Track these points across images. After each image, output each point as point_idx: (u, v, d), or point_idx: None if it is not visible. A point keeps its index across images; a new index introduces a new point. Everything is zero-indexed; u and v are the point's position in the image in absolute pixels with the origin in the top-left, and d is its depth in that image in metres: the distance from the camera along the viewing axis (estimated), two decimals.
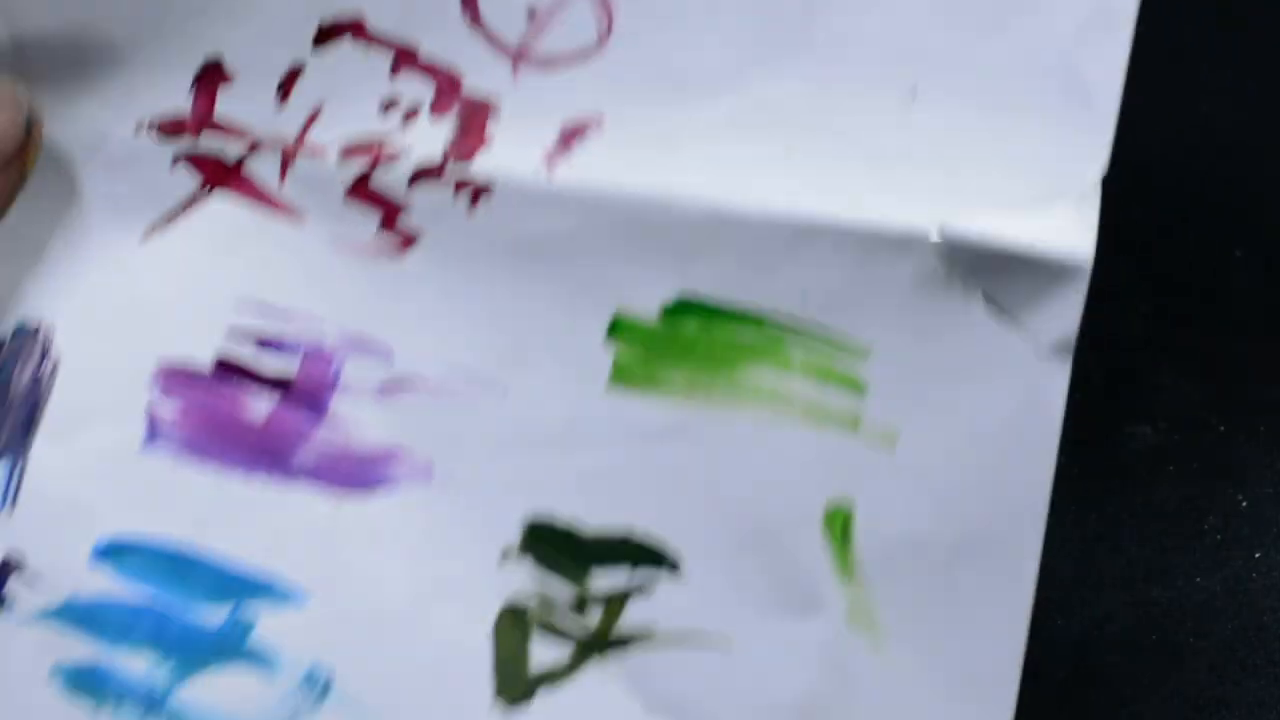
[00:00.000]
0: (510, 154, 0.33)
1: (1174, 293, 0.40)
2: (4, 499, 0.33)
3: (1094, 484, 0.39)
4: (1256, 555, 0.40)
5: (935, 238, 0.31)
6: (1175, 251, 0.40)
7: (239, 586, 0.33)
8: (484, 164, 0.33)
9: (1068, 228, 0.31)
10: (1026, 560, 0.32)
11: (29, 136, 0.32)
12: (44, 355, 0.33)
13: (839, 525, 0.32)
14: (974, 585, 0.32)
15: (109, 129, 0.33)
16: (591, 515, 0.33)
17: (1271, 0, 0.39)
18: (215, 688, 0.33)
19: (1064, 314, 0.31)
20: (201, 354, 0.34)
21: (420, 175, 0.33)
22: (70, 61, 0.33)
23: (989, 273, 0.32)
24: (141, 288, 0.34)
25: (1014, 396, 0.32)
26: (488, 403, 0.33)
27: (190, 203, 0.34)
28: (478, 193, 0.33)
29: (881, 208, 0.32)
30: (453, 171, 0.33)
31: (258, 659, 0.33)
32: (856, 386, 0.32)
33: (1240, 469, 0.40)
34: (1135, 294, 0.39)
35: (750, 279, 0.32)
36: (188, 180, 0.34)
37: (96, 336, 0.34)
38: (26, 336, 0.33)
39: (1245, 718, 0.40)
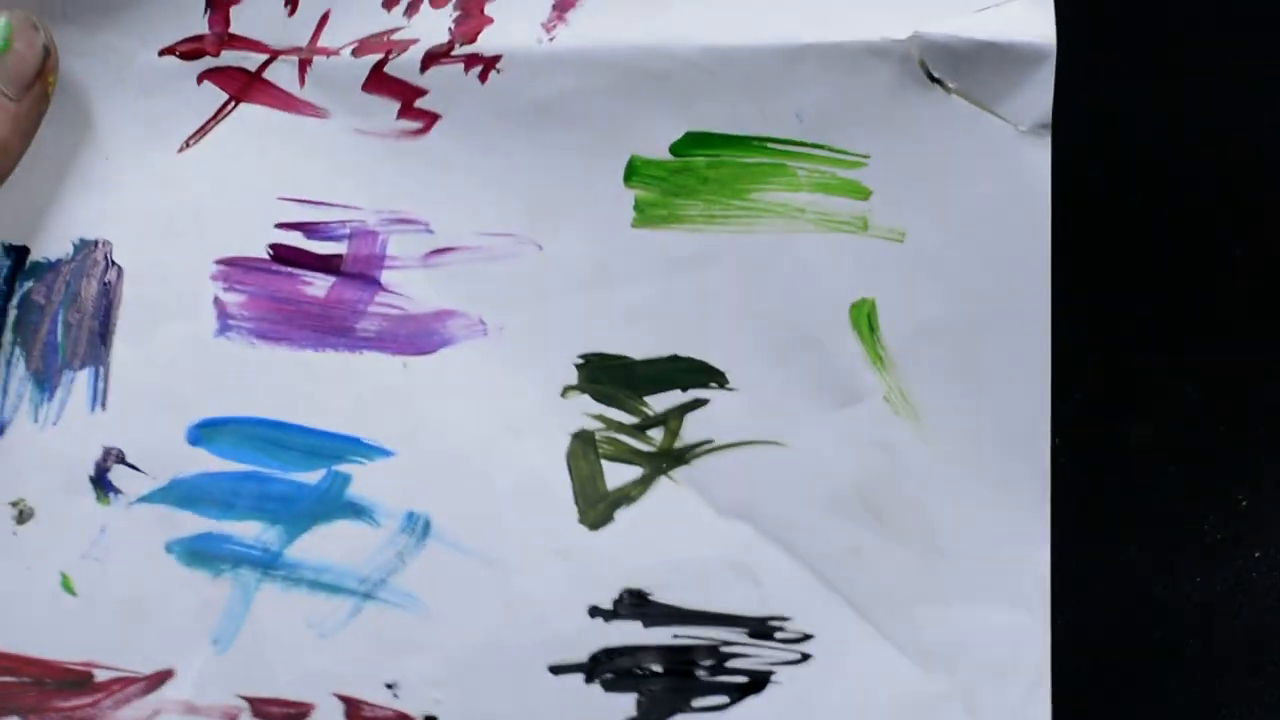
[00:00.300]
0: (512, 28, 0.35)
1: (1174, 292, 0.40)
2: (94, 400, 0.36)
3: (1094, 484, 0.39)
4: (1256, 555, 0.40)
5: (910, 42, 0.34)
6: (1175, 251, 0.39)
7: (329, 448, 0.36)
8: (489, 40, 0.35)
9: (1028, 17, 0.34)
10: (1037, 327, 0.35)
11: (46, 59, 0.35)
12: (107, 267, 0.36)
13: (865, 319, 0.35)
14: (994, 357, 0.35)
15: (133, 56, 0.36)
16: (637, 347, 0.36)
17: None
18: (324, 542, 0.35)
19: (1037, 97, 0.34)
20: (254, 247, 0.36)
21: (431, 58, 0.36)
22: None
23: (964, 67, 0.34)
24: (186, 194, 0.36)
25: (1003, 177, 0.35)
26: (525, 258, 0.36)
27: (219, 114, 0.36)
28: (487, 66, 0.35)
29: (859, 23, 0.35)
30: (461, 50, 0.35)
31: (358, 511, 0.36)
32: (860, 192, 0.35)
33: (1240, 469, 0.40)
34: (1135, 294, 0.39)
35: (749, 109, 0.35)
36: (213, 95, 0.36)
37: (153, 243, 0.36)
38: (87, 252, 0.36)
39: (1245, 717, 0.40)
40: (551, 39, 0.35)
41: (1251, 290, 0.40)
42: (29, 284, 0.35)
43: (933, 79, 0.35)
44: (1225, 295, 0.40)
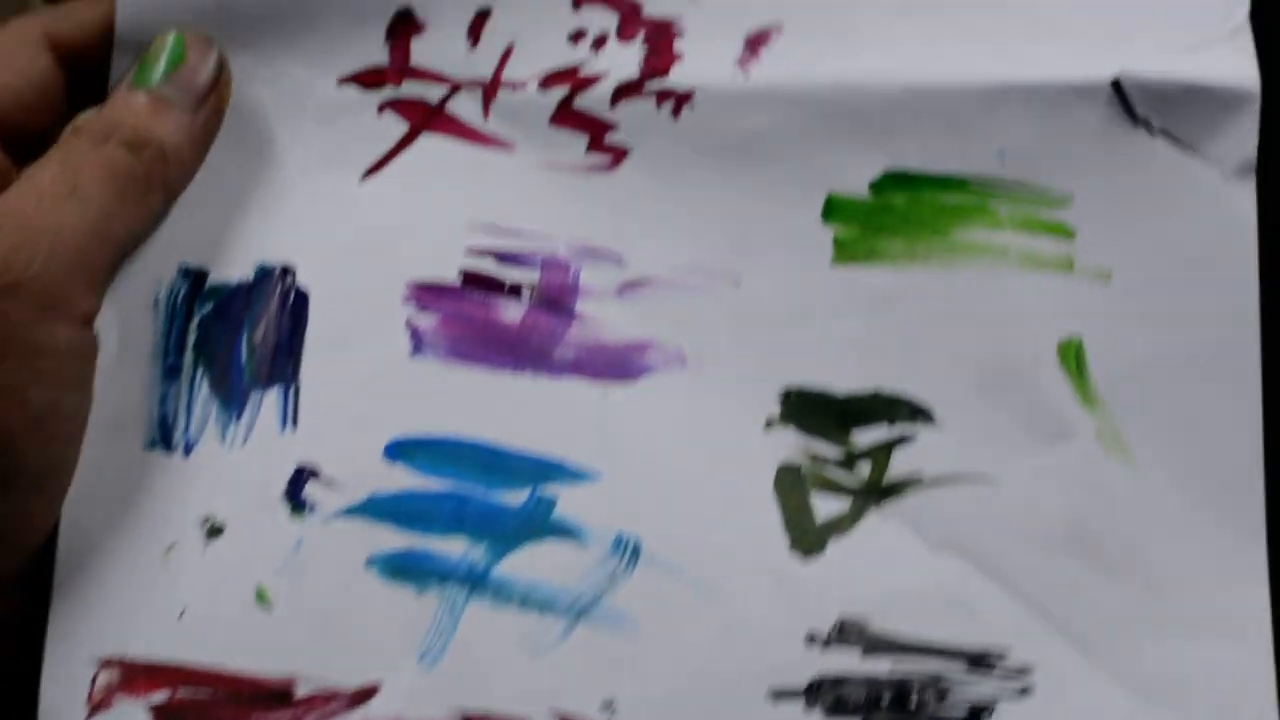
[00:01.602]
0: (703, 64, 0.35)
1: None
2: (285, 420, 0.35)
3: None
4: None
5: (1114, 82, 0.34)
6: None
7: (533, 470, 0.35)
8: (680, 75, 0.35)
9: (1231, 59, 0.34)
10: (1248, 372, 0.34)
11: (220, 74, 0.34)
12: (292, 290, 0.35)
13: (1073, 357, 0.34)
14: (1205, 395, 0.34)
15: (312, 84, 0.35)
16: (840, 381, 0.35)
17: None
18: (532, 561, 0.34)
19: (1241, 139, 0.34)
20: (447, 272, 0.35)
21: (621, 93, 0.35)
22: (270, 25, 0.35)
23: (1168, 109, 0.34)
24: (369, 221, 0.36)
25: (1209, 219, 0.34)
26: (723, 292, 0.35)
27: (401, 145, 0.35)
28: (680, 101, 0.35)
29: (1059, 63, 0.35)
30: (652, 85, 0.35)
31: (566, 532, 0.35)
32: (1065, 232, 0.35)
33: None
34: None
35: (949, 147, 0.35)
36: (395, 125, 0.35)
37: (339, 267, 0.35)
38: (269, 277, 0.35)
39: None
40: (746, 76, 0.35)
41: None
42: (209, 306, 0.35)
43: (1137, 120, 0.34)
44: None
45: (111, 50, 0.34)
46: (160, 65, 0.34)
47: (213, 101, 0.34)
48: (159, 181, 0.33)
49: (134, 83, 0.34)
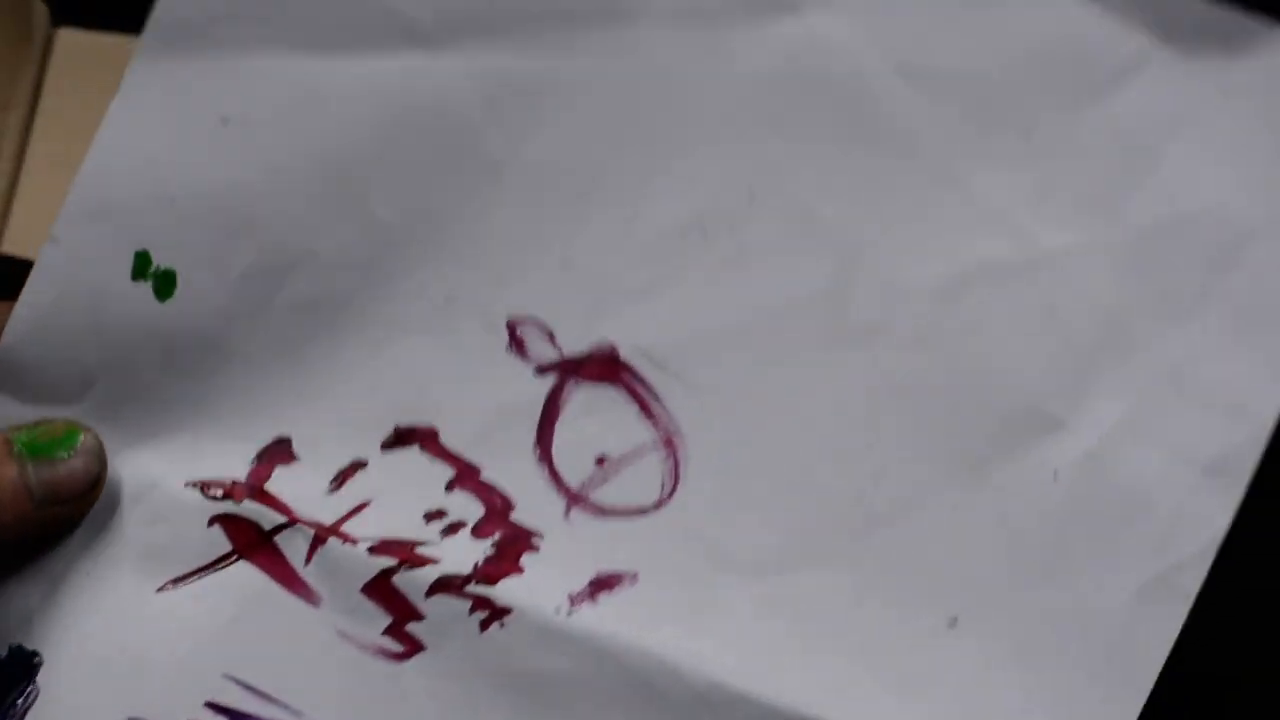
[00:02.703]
0: (536, 586, 0.33)
1: None
2: None
3: None
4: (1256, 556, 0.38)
5: None
6: None
7: None
8: (507, 590, 0.33)
9: None
10: None
11: (91, 491, 0.33)
12: (29, 682, 0.33)
13: None
14: None
15: (161, 480, 0.34)
16: None
17: None
18: None
19: None
20: (174, 715, 0.33)
21: (441, 585, 0.33)
22: (146, 409, 0.34)
23: None
24: (138, 638, 0.33)
25: None
26: None
27: (213, 564, 0.34)
28: (493, 616, 0.33)
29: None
30: (474, 589, 0.33)
31: None
32: None
33: None
34: None
35: None
36: (218, 542, 0.34)
37: (81, 677, 0.33)
38: (19, 660, 0.33)
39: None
40: (569, 614, 0.32)
41: None
42: None
43: None
44: None
45: None
46: (43, 447, 0.32)
47: (77, 506, 0.33)
48: None
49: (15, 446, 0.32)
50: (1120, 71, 0.33)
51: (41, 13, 0.53)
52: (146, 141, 0.32)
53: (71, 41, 0.53)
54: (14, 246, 0.49)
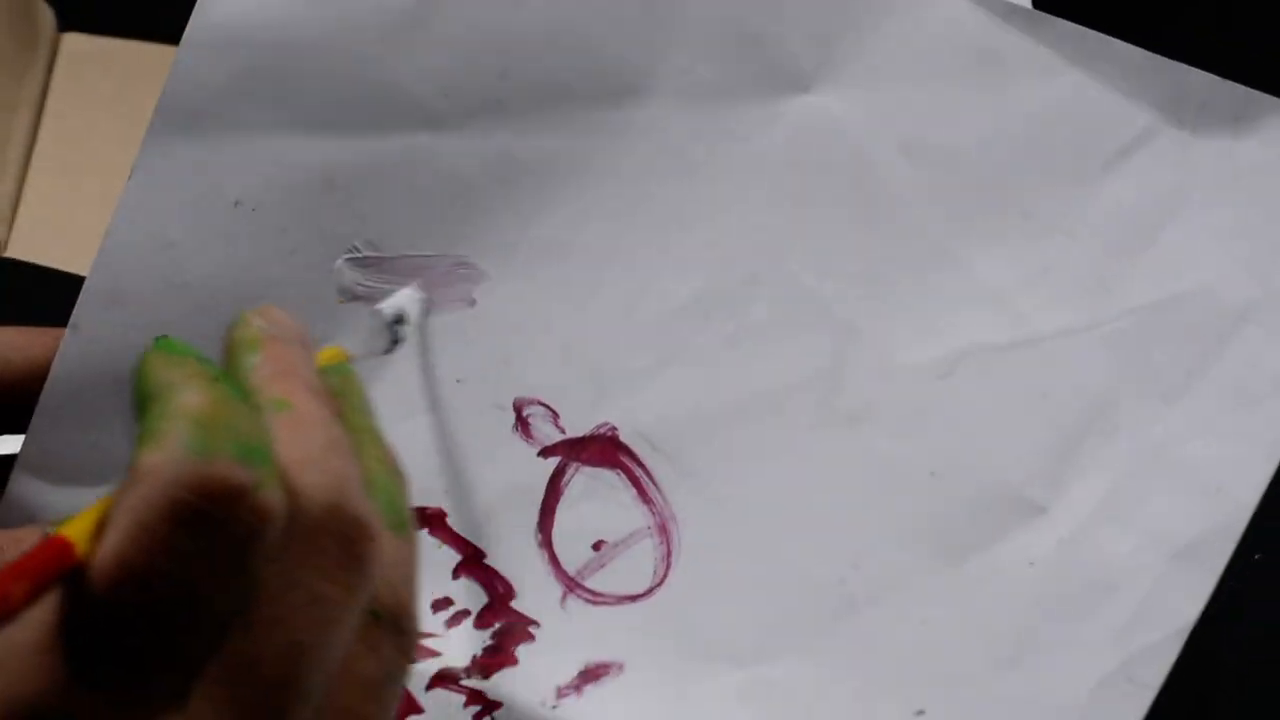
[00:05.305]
0: (526, 680, 0.34)
1: None
2: None
3: None
4: (1256, 557, 0.40)
5: None
6: None
7: None
8: (501, 682, 0.34)
9: None
10: None
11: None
12: None
13: None
14: None
15: None
16: None
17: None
18: None
19: None
20: None
21: (440, 679, 0.33)
22: None
23: None
24: None
25: None
26: None
27: None
28: (486, 710, 0.33)
29: None
30: (469, 682, 0.33)
31: None
32: None
33: None
34: None
35: None
36: None
37: None
38: None
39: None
40: (555, 705, 0.33)
41: None
42: None
43: None
44: None
45: None
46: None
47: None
48: None
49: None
50: (1123, 150, 0.33)
51: (47, 17, 0.52)
52: (159, 226, 0.31)
53: (77, 46, 0.53)
54: (19, 251, 0.49)
